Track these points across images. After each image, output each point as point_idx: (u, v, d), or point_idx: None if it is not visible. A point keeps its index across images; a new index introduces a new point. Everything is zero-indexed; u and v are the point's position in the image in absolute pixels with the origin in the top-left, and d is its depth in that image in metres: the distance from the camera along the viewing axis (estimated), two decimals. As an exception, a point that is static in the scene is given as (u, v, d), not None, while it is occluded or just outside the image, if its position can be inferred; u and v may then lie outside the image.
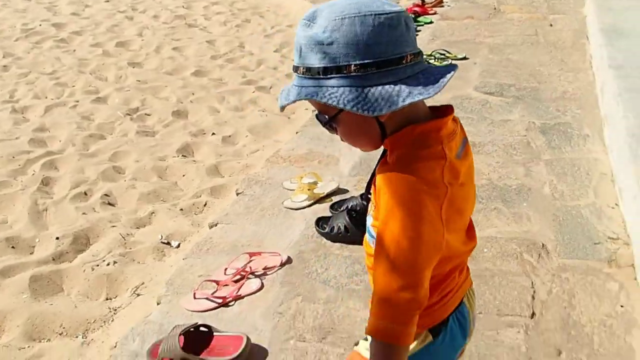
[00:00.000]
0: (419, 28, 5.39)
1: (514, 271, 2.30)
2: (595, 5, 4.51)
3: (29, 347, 2.49)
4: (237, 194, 3.09)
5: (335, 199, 2.87)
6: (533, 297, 2.16)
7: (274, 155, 3.43)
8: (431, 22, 5.54)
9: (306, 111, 4.44)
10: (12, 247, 3.12)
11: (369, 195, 1.11)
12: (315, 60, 0.97)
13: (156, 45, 6.35)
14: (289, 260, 2.47)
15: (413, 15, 5.59)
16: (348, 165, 3.20)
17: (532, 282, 2.23)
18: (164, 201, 3.53)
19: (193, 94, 5.09)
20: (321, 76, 0.96)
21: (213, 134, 4.36)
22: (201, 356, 1.98)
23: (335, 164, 3.25)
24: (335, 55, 0.95)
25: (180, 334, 2.00)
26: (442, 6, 6.03)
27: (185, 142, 4.21)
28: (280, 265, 2.44)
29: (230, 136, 4.31)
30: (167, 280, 2.48)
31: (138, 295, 2.72)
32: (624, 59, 3.42)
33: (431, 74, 0.99)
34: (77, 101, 4.96)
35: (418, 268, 0.97)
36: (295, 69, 1.01)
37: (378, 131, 1.01)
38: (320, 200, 2.88)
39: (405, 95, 0.94)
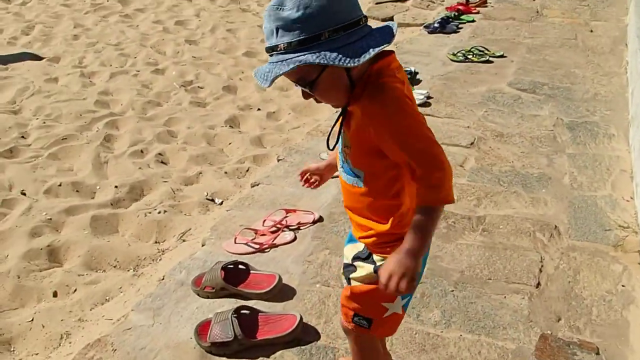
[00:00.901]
0: (460, 25, 5.55)
1: (525, 246, 2.51)
2: (636, 14, 4.61)
3: (87, 274, 2.84)
4: (278, 160, 3.37)
5: (368, 171, 3.12)
6: (540, 270, 2.37)
7: (314, 129, 3.70)
8: (473, 21, 5.69)
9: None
10: (77, 191, 3.49)
11: (331, 149, 1.37)
12: (294, 36, 1.17)
13: (212, 26, 6.69)
14: (320, 219, 2.74)
15: (456, 13, 5.75)
16: (383, 144, 3.45)
17: (542, 257, 2.44)
18: (211, 164, 3.85)
19: (243, 72, 5.41)
20: (301, 47, 1.17)
21: (258, 109, 4.67)
22: (238, 288, 2.27)
23: (370, 142, 3.50)
24: (310, 27, 1.16)
25: (221, 268, 2.30)
26: (486, 6, 6.16)
27: (233, 114, 4.53)
28: (312, 222, 2.71)
29: (274, 112, 4.61)
30: (212, 227, 2.79)
31: (184, 240, 3.04)
32: (656, 65, 3.55)
33: (382, 30, 1.25)
34: (138, 71, 5.34)
35: (437, 142, 1.25)
36: (273, 48, 1.19)
37: (349, 84, 1.25)
38: (354, 171, 3.13)
39: (373, 45, 1.19)
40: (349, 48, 1.18)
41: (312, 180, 1.68)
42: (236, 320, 2.01)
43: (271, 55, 1.22)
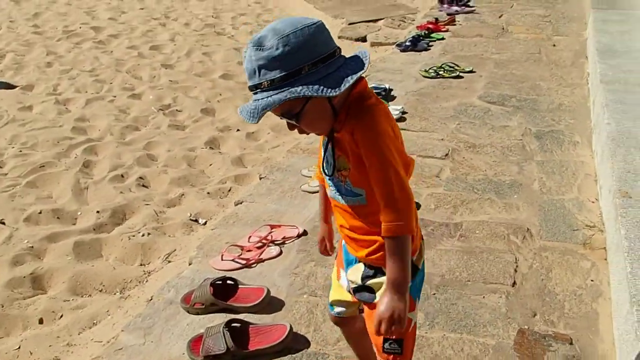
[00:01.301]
0: (431, 43, 5.76)
1: (500, 249, 2.63)
2: (594, 29, 4.87)
3: (72, 300, 2.86)
4: (260, 178, 3.45)
5: (347, 185, 3.22)
6: (515, 270, 2.49)
7: (294, 147, 3.79)
8: (443, 39, 5.90)
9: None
10: (57, 217, 3.52)
11: (330, 174, 1.41)
12: (276, 73, 1.22)
13: (187, 50, 6.80)
14: (304, 233, 2.82)
15: (426, 32, 5.96)
16: (360, 158, 3.57)
17: (516, 258, 2.56)
18: (193, 185, 3.91)
19: (220, 94, 5.51)
20: (284, 83, 1.25)
21: (238, 130, 4.76)
22: (228, 302, 2.33)
23: (348, 157, 3.61)
24: (291, 63, 1.22)
25: (210, 284, 2.36)
26: (454, 24, 6.39)
27: (212, 136, 4.61)
28: (297, 236, 2.79)
29: (253, 132, 4.70)
30: (197, 246, 2.84)
31: (169, 261, 3.09)
32: (613, 75, 3.76)
33: (355, 58, 1.33)
34: (115, 96, 5.40)
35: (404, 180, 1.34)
36: (257, 86, 1.26)
37: (332, 112, 1.34)
38: (333, 186, 3.23)
39: (351, 73, 1.28)
40: (328, 78, 1.25)
41: (328, 247, 1.78)
42: (228, 333, 2.07)
43: (255, 93, 1.28)
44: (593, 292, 2.35)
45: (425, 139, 3.76)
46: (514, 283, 2.41)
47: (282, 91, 1.24)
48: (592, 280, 2.41)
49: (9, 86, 5.65)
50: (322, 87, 1.24)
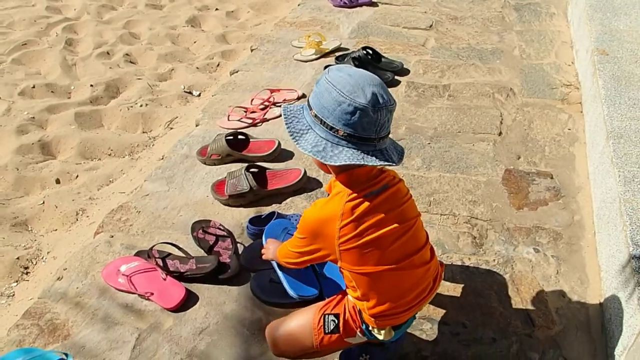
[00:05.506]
0: None
1: (486, 105, 2.88)
2: None
3: (84, 162, 2.98)
4: (252, 50, 3.53)
5: (339, 53, 3.35)
6: (501, 122, 2.75)
7: (281, 21, 3.85)
8: None
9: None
10: (52, 91, 3.54)
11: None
12: None
13: None
14: (303, 96, 2.98)
15: None
16: (347, 29, 3.67)
17: (501, 113, 2.81)
18: (180, 61, 3.95)
19: (193, -25, 5.35)
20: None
21: (216, 9, 4.71)
22: (242, 153, 2.51)
23: (335, 29, 3.71)
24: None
25: (224, 137, 2.52)
26: None
27: (192, 14, 4.56)
28: (297, 98, 2.95)
29: (232, 11, 4.68)
30: (202, 108, 2.97)
31: (171, 128, 3.21)
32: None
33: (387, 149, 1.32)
34: (83, -24, 5.17)
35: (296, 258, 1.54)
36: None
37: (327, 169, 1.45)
38: (325, 54, 3.36)
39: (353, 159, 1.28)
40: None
41: None
42: (250, 175, 2.28)
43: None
44: (570, 138, 2.64)
45: (408, 12, 3.87)
46: (500, 133, 2.67)
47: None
48: (569, 129, 2.70)
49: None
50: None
